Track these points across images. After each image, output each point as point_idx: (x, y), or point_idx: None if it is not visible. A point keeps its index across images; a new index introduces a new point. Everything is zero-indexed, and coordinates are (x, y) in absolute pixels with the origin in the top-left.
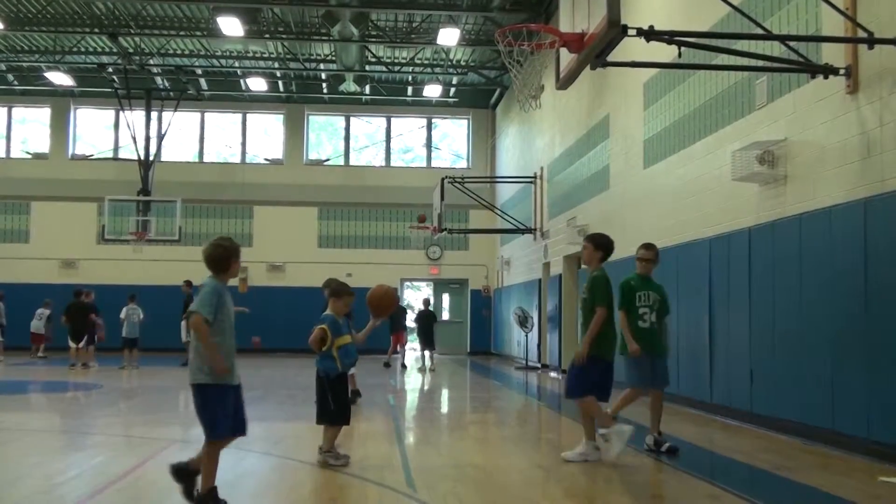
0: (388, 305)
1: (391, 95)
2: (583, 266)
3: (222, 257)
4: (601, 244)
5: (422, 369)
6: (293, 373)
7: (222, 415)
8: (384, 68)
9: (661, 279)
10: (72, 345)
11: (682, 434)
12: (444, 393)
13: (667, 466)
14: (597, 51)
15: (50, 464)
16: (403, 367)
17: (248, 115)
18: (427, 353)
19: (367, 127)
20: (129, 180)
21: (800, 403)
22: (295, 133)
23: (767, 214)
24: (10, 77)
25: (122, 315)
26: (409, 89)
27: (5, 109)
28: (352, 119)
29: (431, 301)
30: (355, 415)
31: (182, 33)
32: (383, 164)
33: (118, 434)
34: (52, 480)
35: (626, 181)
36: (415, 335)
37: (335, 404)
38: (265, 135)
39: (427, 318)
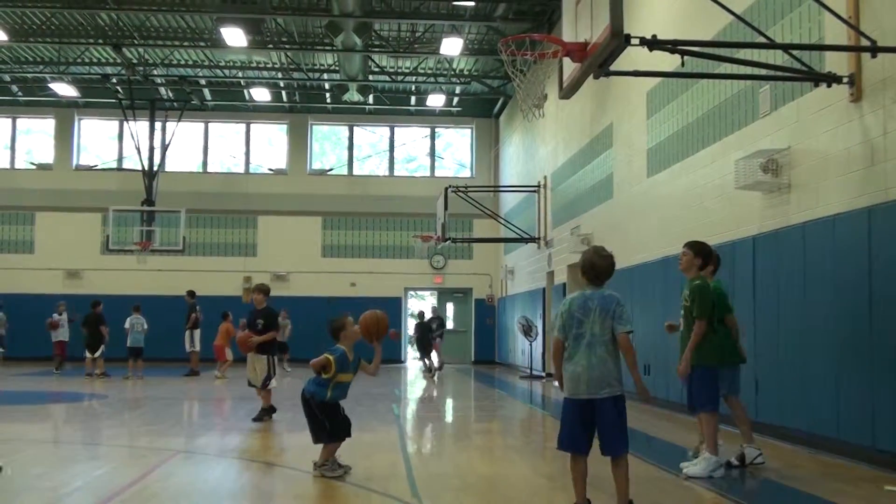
0: (382, 329)
1: (394, 105)
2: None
3: (613, 268)
4: (701, 251)
5: (435, 374)
6: (296, 383)
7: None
8: (387, 78)
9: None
10: (87, 355)
11: (687, 443)
12: (449, 402)
13: (671, 476)
14: (600, 60)
15: (54, 475)
16: (426, 371)
17: (251, 125)
18: (427, 361)
19: (371, 136)
20: (133, 190)
21: (805, 412)
22: (298, 143)
23: (771, 223)
24: (15, 88)
25: (127, 325)
26: (413, 99)
27: (10, 120)
28: (355, 129)
29: (426, 313)
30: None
31: (186, 44)
32: (387, 173)
33: (122, 445)
34: (57, 492)
35: (630, 190)
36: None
37: (330, 423)
38: (269, 145)
39: (422, 329)
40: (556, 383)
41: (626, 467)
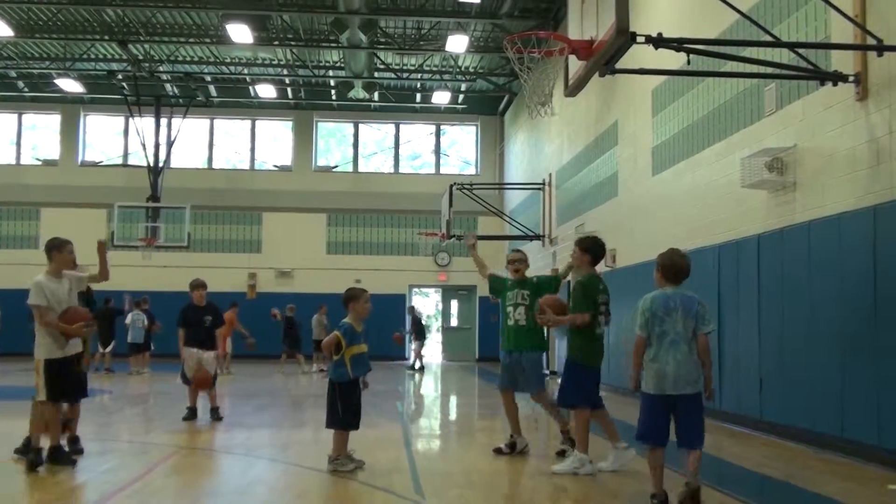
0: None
1: (400, 102)
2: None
3: (690, 268)
4: (587, 247)
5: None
6: (301, 379)
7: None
8: (393, 75)
9: None
10: (100, 350)
11: None
12: (452, 399)
13: (675, 474)
14: (605, 58)
15: (58, 470)
16: (420, 369)
17: (257, 122)
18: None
19: (376, 133)
20: (139, 187)
21: (809, 411)
22: (304, 140)
23: (776, 221)
24: (21, 84)
25: (128, 321)
26: (418, 96)
27: (16, 116)
28: (360, 126)
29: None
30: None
31: (191, 40)
32: (392, 170)
33: (127, 440)
34: (60, 487)
35: (635, 188)
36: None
37: (343, 410)
38: (274, 141)
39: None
40: (631, 381)
41: (700, 459)
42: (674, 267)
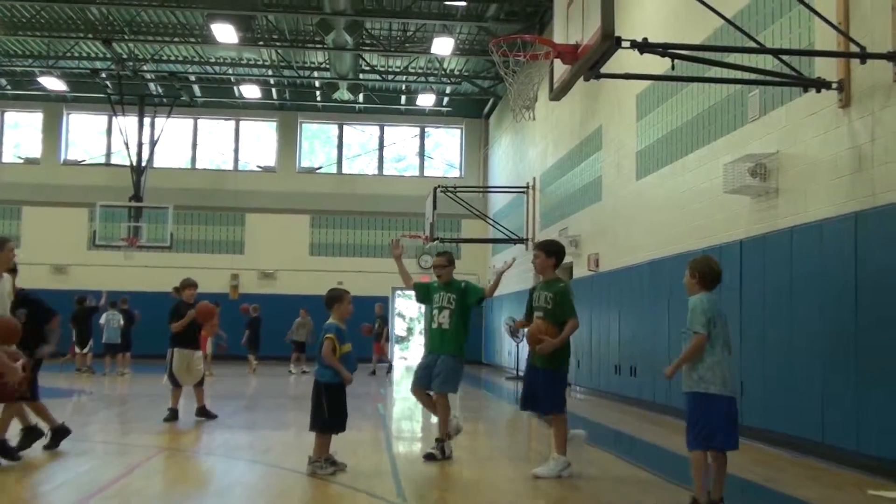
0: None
1: (384, 104)
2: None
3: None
4: (553, 251)
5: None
6: (282, 381)
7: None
8: (378, 77)
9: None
10: (78, 350)
11: (673, 446)
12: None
13: (655, 478)
14: (591, 62)
15: (36, 471)
16: (373, 373)
17: (241, 123)
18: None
19: (360, 135)
20: (121, 186)
21: (790, 416)
22: (288, 141)
23: (759, 227)
24: (3, 81)
25: (102, 321)
26: (403, 98)
27: None
28: (345, 127)
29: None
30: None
31: (176, 40)
32: (376, 172)
33: (107, 441)
34: (39, 488)
35: (619, 192)
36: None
37: (329, 412)
38: (258, 142)
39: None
40: (671, 372)
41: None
42: (712, 273)
